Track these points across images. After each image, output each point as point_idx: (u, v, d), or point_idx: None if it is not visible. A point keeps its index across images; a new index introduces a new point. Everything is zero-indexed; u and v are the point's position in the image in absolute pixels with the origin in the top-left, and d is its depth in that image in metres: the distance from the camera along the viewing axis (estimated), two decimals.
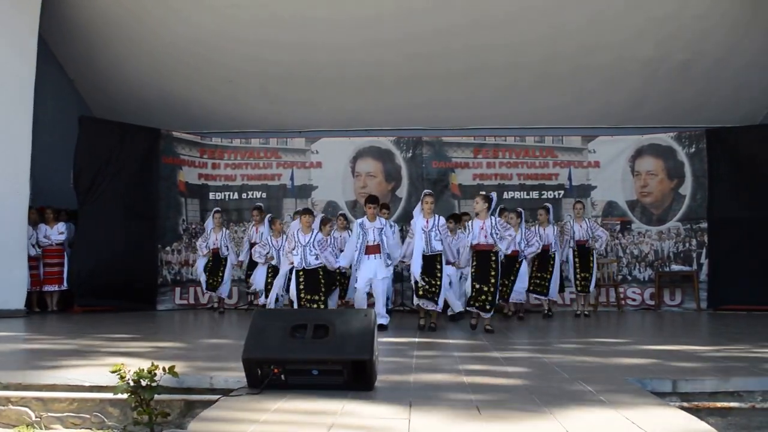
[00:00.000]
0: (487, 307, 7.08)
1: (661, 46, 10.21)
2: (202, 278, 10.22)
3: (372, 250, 7.62)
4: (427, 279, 7.27)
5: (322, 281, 7.80)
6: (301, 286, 7.74)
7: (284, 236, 8.88)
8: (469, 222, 7.54)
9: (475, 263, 7.19)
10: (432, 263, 7.35)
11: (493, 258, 7.13)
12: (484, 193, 7.45)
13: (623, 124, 11.46)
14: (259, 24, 9.94)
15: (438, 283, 7.33)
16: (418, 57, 10.33)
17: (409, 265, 7.84)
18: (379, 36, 10.06)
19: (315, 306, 7.61)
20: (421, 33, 9.98)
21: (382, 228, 7.69)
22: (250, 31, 10.03)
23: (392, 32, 9.99)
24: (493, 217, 7.24)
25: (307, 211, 8.08)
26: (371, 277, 7.59)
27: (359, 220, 7.83)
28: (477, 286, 7.09)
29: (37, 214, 9.99)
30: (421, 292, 7.34)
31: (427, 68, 10.49)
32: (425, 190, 7.86)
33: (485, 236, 7.11)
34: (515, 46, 10.20)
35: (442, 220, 7.56)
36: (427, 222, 7.39)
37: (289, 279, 8.10)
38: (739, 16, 9.85)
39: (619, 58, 10.37)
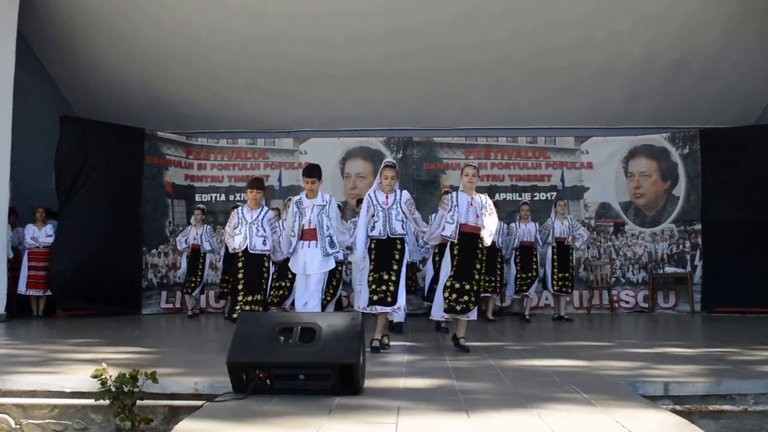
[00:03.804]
0: (471, 307, 5.81)
1: (654, 46, 10.21)
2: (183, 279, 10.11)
3: (307, 235, 6.12)
4: (377, 275, 5.84)
5: (265, 276, 6.41)
6: (240, 286, 6.29)
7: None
8: (453, 194, 6.06)
9: (456, 251, 5.88)
10: (389, 250, 5.88)
11: (480, 246, 5.87)
12: (474, 164, 6.32)
13: (616, 124, 11.45)
14: (247, 22, 9.87)
15: (393, 278, 5.82)
16: (409, 57, 10.30)
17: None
18: (369, 36, 10.02)
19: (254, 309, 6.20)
20: (411, 33, 9.94)
21: (324, 206, 6.17)
22: (237, 29, 9.96)
23: (382, 32, 9.96)
24: (480, 195, 6.04)
25: (257, 184, 6.60)
26: (306, 273, 6.11)
27: (296, 197, 6.36)
28: (457, 285, 5.81)
29: (16, 216, 9.82)
30: (376, 297, 5.82)
31: (418, 68, 10.46)
32: (385, 160, 6.32)
33: (476, 215, 5.86)
34: (507, 46, 10.19)
35: (407, 195, 6.05)
36: (387, 198, 5.96)
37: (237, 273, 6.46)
38: (732, 15, 9.86)
39: (613, 58, 10.37)
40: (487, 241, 5.95)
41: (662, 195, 11.15)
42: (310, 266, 6.10)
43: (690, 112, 11.14)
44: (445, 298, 5.85)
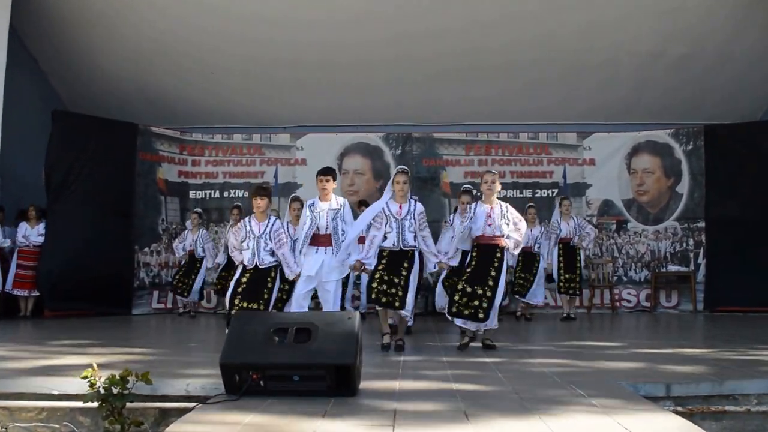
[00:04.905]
0: (480, 315, 5.67)
1: (659, 41, 10.14)
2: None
3: (321, 240, 5.98)
4: (386, 276, 5.69)
5: (269, 286, 6.04)
6: (240, 288, 5.97)
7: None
8: (472, 205, 6.03)
9: (474, 261, 5.82)
10: (401, 259, 5.75)
11: (498, 255, 5.77)
12: (493, 170, 6.20)
13: (620, 120, 11.33)
14: (243, 17, 9.75)
15: (401, 282, 5.66)
16: (408, 49, 10.18)
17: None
18: (367, 26, 9.90)
19: None
20: (410, 25, 9.83)
21: (339, 210, 6.04)
22: (232, 23, 9.84)
23: (381, 22, 9.85)
24: (502, 203, 5.93)
25: (262, 191, 6.18)
26: (314, 277, 5.98)
27: (310, 201, 6.18)
28: (469, 289, 5.69)
29: (3, 214, 9.69)
30: (374, 295, 5.66)
31: (417, 62, 10.35)
32: (398, 167, 6.17)
33: (491, 225, 5.78)
34: (509, 39, 10.09)
35: (420, 206, 5.92)
36: (400, 208, 5.82)
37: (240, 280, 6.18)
38: (739, 11, 9.78)
39: (616, 53, 10.29)
40: (514, 251, 5.96)
41: (665, 192, 11.05)
42: (326, 273, 5.98)
43: (694, 108, 11.03)
44: (454, 301, 5.77)
